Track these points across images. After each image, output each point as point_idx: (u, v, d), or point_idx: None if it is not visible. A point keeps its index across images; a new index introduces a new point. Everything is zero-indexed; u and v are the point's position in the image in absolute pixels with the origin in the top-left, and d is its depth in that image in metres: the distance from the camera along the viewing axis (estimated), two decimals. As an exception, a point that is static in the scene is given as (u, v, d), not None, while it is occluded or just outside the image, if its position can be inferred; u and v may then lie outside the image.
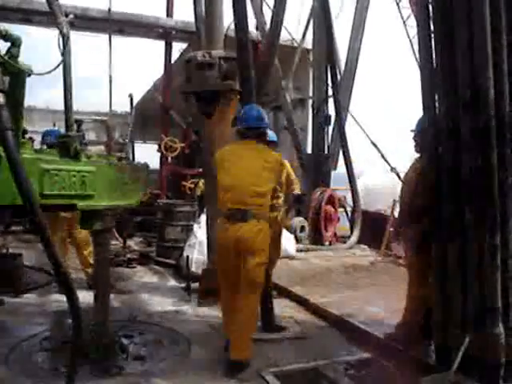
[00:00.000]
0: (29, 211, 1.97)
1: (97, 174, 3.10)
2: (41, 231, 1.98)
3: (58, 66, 2.93)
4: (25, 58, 2.85)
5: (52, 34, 3.14)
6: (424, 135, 3.83)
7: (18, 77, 2.85)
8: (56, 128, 7.14)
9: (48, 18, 8.62)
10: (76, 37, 10.20)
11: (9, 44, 2.81)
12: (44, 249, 2.04)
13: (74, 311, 2.10)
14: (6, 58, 2.65)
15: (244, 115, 4.04)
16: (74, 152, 3.01)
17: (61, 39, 3.05)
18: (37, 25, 10.28)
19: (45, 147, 5.31)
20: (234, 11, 4.60)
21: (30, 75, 2.92)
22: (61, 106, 3.32)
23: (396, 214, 7.35)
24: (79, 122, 3.27)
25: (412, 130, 4.25)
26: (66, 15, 3.16)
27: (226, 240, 3.72)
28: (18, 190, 1.96)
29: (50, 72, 2.79)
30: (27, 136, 4.90)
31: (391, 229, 7.53)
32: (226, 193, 3.74)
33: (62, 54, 3.00)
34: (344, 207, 10.19)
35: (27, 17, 9.84)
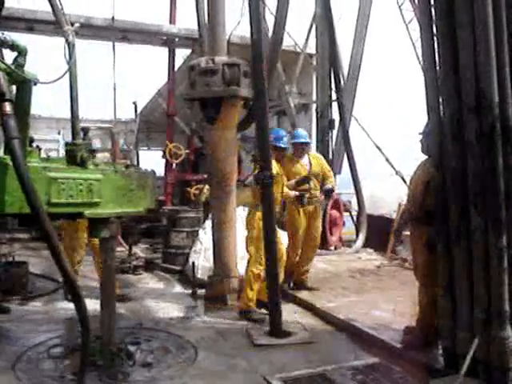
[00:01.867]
0: (36, 219, 1.97)
1: (103, 182, 3.10)
2: (48, 239, 1.98)
3: (64, 74, 2.94)
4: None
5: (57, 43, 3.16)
6: (430, 138, 3.83)
7: (24, 86, 2.87)
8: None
9: (52, 26, 8.70)
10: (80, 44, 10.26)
11: (15, 53, 2.84)
12: (51, 256, 2.04)
13: (82, 318, 2.11)
14: (12, 67, 2.67)
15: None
16: (80, 160, 3.01)
17: (67, 48, 3.07)
18: (41, 33, 10.34)
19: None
20: (251, 23, 4.68)
21: (36, 84, 2.94)
22: (65, 114, 3.34)
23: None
24: (85, 130, 3.28)
25: (420, 133, 4.25)
26: (72, 24, 3.18)
27: None
28: (25, 198, 1.97)
29: (56, 81, 2.80)
30: (34, 144, 4.93)
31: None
32: None
33: (68, 63, 3.02)
34: (349, 211, 10.16)
35: (31, 26, 9.90)
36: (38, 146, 5.72)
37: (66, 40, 3.05)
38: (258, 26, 4.61)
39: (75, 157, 3.00)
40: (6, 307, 5.20)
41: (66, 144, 3.16)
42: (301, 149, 6.21)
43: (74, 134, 3.18)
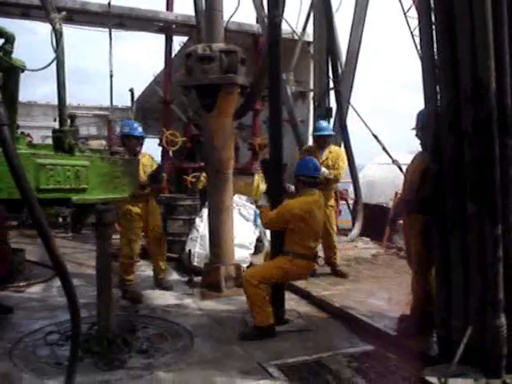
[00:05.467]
0: (26, 205, 1.96)
1: (90, 168, 3.11)
2: (39, 225, 1.97)
3: (52, 62, 2.93)
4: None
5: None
6: (426, 131, 3.80)
7: (11, 73, 2.85)
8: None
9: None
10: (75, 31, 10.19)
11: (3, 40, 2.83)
12: (42, 242, 2.03)
13: (72, 305, 2.10)
14: (-1, 54, 2.66)
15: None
16: (68, 146, 3.01)
17: (53, 36, 3.04)
18: (36, 19, 10.22)
19: None
20: (269, 6, 4.66)
21: (23, 71, 2.93)
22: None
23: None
24: (73, 117, 3.27)
25: (413, 128, 4.23)
26: (59, 11, 3.14)
27: None
28: (15, 184, 1.95)
29: (43, 68, 2.79)
30: (19, 131, 4.92)
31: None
32: None
33: (56, 51, 2.99)
34: (346, 200, 10.16)
35: (27, 11, 9.78)
36: (22, 133, 5.68)
37: (53, 28, 3.02)
38: (277, 8, 4.53)
39: (62, 143, 3.00)
40: (10, 307, 4.95)
41: (54, 131, 3.15)
42: (321, 141, 6.44)
43: (62, 121, 3.17)
